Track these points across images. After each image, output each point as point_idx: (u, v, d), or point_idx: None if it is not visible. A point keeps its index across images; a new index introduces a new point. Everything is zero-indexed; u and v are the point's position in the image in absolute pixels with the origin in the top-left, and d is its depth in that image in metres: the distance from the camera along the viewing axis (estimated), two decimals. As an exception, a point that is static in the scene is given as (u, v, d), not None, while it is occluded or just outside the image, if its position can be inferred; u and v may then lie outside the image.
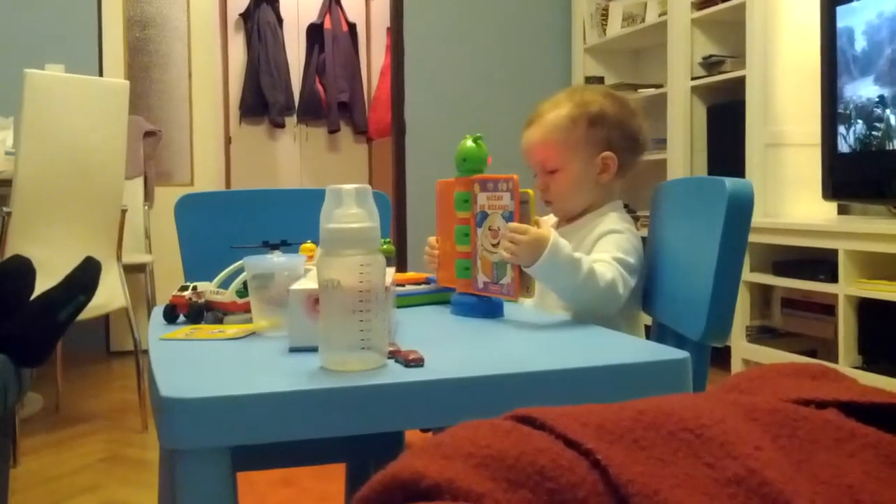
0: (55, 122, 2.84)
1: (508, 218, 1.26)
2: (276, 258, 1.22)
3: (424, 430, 1.58)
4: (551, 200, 1.60)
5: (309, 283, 1.07)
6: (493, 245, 1.29)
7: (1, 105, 3.50)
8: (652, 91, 4.29)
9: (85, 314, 1.69)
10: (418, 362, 0.94)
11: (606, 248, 1.45)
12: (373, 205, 0.95)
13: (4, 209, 2.75)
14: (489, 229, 1.30)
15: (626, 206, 1.65)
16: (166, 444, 0.86)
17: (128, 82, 3.28)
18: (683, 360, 0.98)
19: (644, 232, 1.60)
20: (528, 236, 1.25)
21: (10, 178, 2.77)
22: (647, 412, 0.51)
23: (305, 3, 6.37)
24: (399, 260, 4.43)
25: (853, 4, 3.03)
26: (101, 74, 4.35)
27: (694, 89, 3.92)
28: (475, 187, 1.33)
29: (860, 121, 3.04)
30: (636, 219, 3.72)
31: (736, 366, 3.41)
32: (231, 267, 1.33)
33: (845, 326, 2.89)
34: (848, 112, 3.09)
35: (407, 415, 0.91)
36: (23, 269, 1.50)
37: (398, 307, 1.35)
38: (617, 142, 1.56)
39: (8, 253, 2.67)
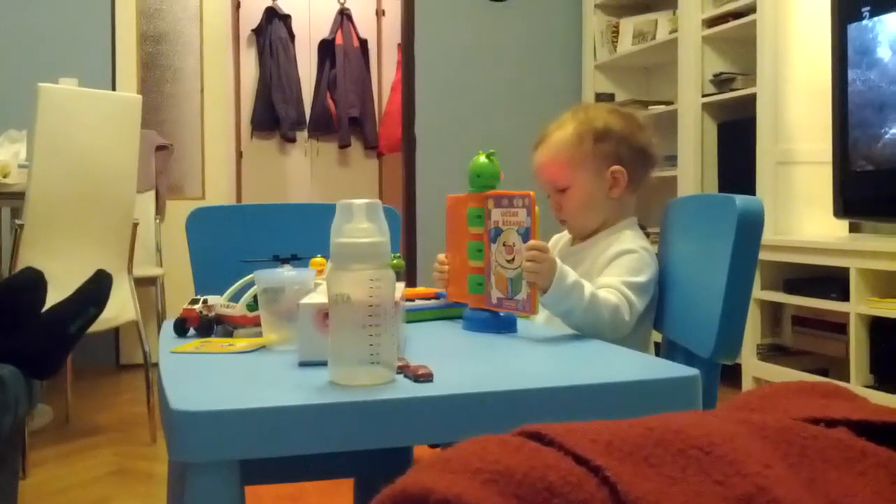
0: (68, 136, 2.86)
1: (524, 234, 1.26)
2: (287, 272, 1.23)
3: (433, 446, 1.58)
4: (566, 219, 1.60)
5: (319, 297, 1.08)
6: (508, 261, 1.29)
7: (15, 118, 3.53)
8: (662, 108, 4.29)
9: (95, 327, 1.69)
10: (427, 377, 0.94)
11: (616, 272, 1.45)
12: (383, 219, 0.95)
13: (17, 222, 2.77)
14: (504, 245, 1.30)
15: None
16: (176, 457, 0.86)
17: (140, 97, 3.30)
18: (693, 377, 0.98)
19: (654, 249, 1.60)
20: (550, 256, 1.25)
21: (22, 190, 2.79)
22: (657, 429, 0.51)
23: (317, 19, 6.40)
24: (409, 275, 4.43)
25: (864, 22, 3.03)
26: (114, 88, 4.38)
27: (704, 106, 3.92)
28: (489, 203, 1.33)
29: (872, 138, 3.03)
30: (646, 235, 3.71)
31: (746, 384, 3.39)
32: (241, 280, 1.33)
33: (857, 345, 2.87)
34: (859, 129, 3.08)
35: (415, 430, 0.91)
36: (34, 282, 1.51)
37: (408, 322, 1.35)
38: (626, 155, 1.56)
39: (20, 265, 2.68)
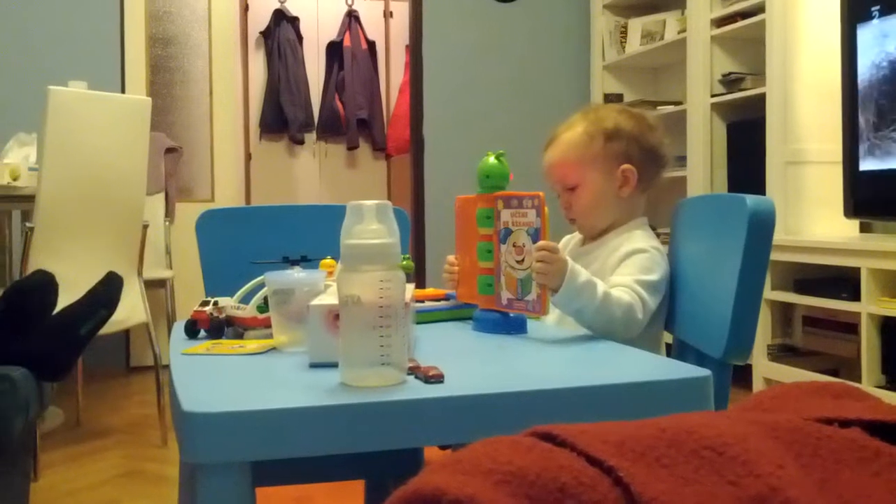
0: (78, 139, 2.87)
1: (534, 234, 1.26)
2: (297, 274, 1.23)
3: (443, 447, 1.58)
4: (575, 218, 1.60)
5: (329, 298, 1.08)
6: (518, 262, 1.29)
7: (25, 121, 3.54)
8: (671, 108, 4.28)
9: (106, 329, 1.70)
10: (438, 378, 0.94)
11: (628, 271, 1.45)
12: (393, 221, 0.95)
13: (27, 224, 2.78)
14: (513, 246, 1.30)
15: (646, 222, 1.65)
16: (188, 459, 0.86)
17: (150, 99, 3.31)
18: (705, 378, 0.97)
19: (665, 249, 1.59)
20: (560, 256, 1.25)
21: (33, 193, 2.80)
22: (669, 430, 0.51)
23: (325, 22, 6.41)
24: (417, 276, 4.43)
25: (874, 22, 3.02)
26: (123, 91, 4.39)
27: (713, 106, 3.91)
28: (498, 204, 1.33)
29: (882, 138, 3.02)
30: (656, 236, 3.71)
31: (757, 384, 3.38)
32: (252, 282, 1.33)
33: (868, 345, 2.86)
34: (869, 129, 3.07)
35: (426, 431, 0.91)
36: (45, 284, 1.51)
37: (418, 323, 1.35)
38: (636, 155, 1.56)
39: (31, 268, 2.69)
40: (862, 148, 3.10)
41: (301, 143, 6.39)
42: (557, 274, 1.25)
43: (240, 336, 1.29)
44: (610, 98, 4.74)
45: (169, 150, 4.20)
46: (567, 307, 1.31)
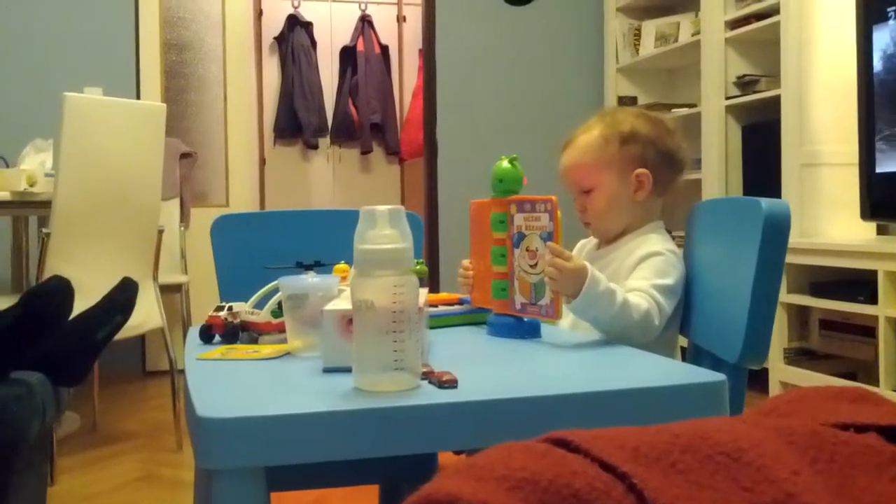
0: (93, 145, 2.89)
1: (547, 238, 1.26)
2: (310, 279, 1.23)
3: (457, 452, 1.58)
4: (590, 221, 1.60)
5: (343, 303, 1.08)
6: (531, 266, 1.29)
7: (41, 127, 3.57)
8: (686, 111, 4.27)
9: (122, 334, 1.70)
10: (452, 383, 0.94)
11: (644, 275, 1.44)
12: (406, 226, 0.95)
13: (43, 230, 2.79)
14: (527, 250, 1.30)
15: (660, 226, 1.64)
16: (202, 464, 0.86)
17: (164, 105, 3.33)
18: (720, 382, 0.97)
19: (680, 252, 1.59)
20: (572, 264, 1.24)
21: (49, 199, 2.81)
22: (684, 435, 0.51)
23: (339, 26, 6.43)
24: (431, 281, 4.42)
25: (890, 23, 3.00)
26: (138, 97, 4.42)
27: (728, 109, 3.90)
28: (512, 208, 1.33)
29: (898, 140, 3.00)
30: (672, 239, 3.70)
31: (773, 388, 3.36)
32: (266, 287, 1.33)
33: (885, 349, 2.84)
34: (885, 130, 3.05)
35: (440, 436, 0.90)
36: (61, 290, 1.52)
37: (431, 328, 1.35)
38: (651, 159, 1.55)
39: (47, 273, 2.70)
40: (878, 149, 3.07)
41: (315, 147, 6.40)
42: (570, 280, 1.24)
43: (254, 341, 1.29)
44: (624, 101, 4.73)
45: (184, 156, 4.22)
46: (585, 314, 1.31)
